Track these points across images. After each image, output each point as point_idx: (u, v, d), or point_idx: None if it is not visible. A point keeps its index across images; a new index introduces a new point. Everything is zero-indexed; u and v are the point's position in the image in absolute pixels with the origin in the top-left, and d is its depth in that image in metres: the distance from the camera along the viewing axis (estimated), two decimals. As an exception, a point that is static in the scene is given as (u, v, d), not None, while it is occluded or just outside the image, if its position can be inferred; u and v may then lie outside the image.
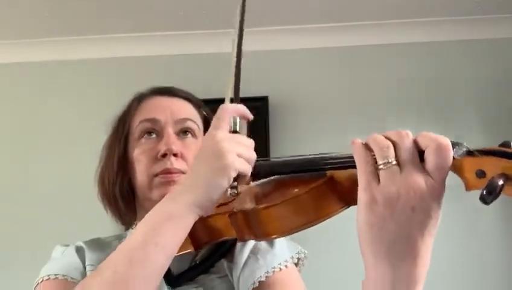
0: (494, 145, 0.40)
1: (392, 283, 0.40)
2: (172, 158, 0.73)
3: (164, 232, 0.52)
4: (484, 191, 0.35)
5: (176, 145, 0.74)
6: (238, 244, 0.71)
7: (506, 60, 1.93)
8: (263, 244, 0.71)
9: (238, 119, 0.58)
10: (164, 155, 0.73)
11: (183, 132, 0.78)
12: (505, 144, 0.39)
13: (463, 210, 1.65)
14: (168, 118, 0.77)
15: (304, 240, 0.71)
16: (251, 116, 0.60)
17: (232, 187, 0.54)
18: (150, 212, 0.54)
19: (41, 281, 0.71)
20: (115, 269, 0.50)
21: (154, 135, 0.77)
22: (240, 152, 0.54)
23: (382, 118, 1.81)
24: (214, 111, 0.59)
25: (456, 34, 1.99)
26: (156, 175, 0.74)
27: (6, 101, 2.02)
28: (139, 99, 0.83)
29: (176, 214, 0.52)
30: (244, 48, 0.74)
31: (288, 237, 0.56)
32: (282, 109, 1.87)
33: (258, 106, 1.81)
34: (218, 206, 0.60)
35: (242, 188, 0.63)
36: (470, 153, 0.40)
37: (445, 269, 1.58)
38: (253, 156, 0.56)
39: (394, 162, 0.40)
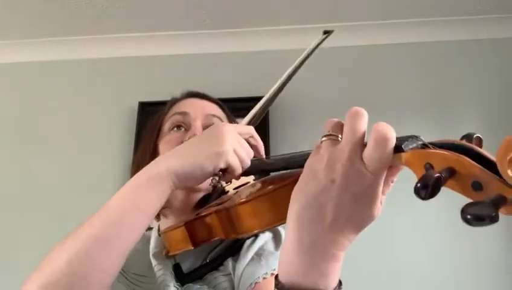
0: (493, 144, 0.36)
1: (295, 246, 0.40)
2: None
3: (142, 194, 0.54)
4: (418, 184, 0.32)
5: None
6: (246, 244, 0.72)
7: (506, 60, 1.93)
8: (270, 246, 0.72)
9: None
10: None
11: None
12: (467, 136, 0.37)
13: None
14: (197, 112, 0.80)
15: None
16: (261, 153, 0.65)
17: (214, 175, 0.56)
18: (135, 175, 0.56)
19: None
20: (92, 225, 0.51)
21: (182, 129, 0.80)
22: (238, 150, 0.57)
23: (382, 118, 1.80)
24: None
25: (456, 34, 1.99)
26: None
27: (7, 101, 2.02)
28: (174, 100, 0.87)
29: (154, 176, 0.54)
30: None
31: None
32: (282, 109, 1.87)
33: (258, 105, 1.80)
34: (216, 205, 0.62)
35: (243, 190, 0.65)
36: (423, 146, 0.38)
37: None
38: (248, 161, 0.59)
39: (333, 137, 0.40)
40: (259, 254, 0.70)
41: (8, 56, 2.07)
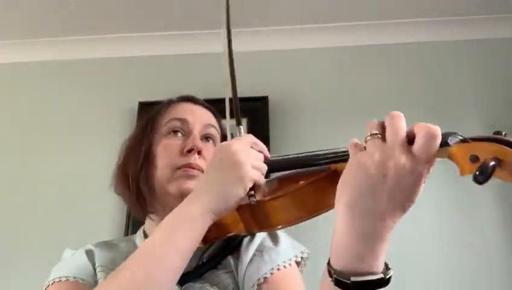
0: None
1: (350, 234, 0.45)
2: (196, 155, 0.78)
3: (181, 234, 0.56)
4: (477, 172, 0.38)
5: (201, 145, 0.80)
6: (244, 242, 0.75)
7: (506, 60, 1.93)
8: (268, 242, 0.75)
9: (242, 130, 0.68)
10: (190, 151, 0.78)
11: (206, 137, 0.84)
12: (497, 133, 0.42)
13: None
14: (196, 121, 0.83)
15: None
16: (268, 155, 0.65)
17: (250, 196, 0.58)
18: (168, 215, 0.58)
19: (52, 283, 0.71)
20: (133, 269, 0.53)
21: (179, 134, 0.82)
22: (254, 164, 0.59)
23: (381, 117, 1.81)
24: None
25: (455, 34, 1.99)
26: (179, 168, 0.77)
27: (6, 101, 2.02)
28: (169, 103, 0.89)
29: (193, 218, 0.57)
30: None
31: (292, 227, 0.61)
32: (282, 109, 1.88)
33: (258, 106, 1.81)
34: None
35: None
36: (463, 140, 0.43)
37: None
38: (265, 167, 0.62)
39: (379, 136, 0.45)
40: (260, 250, 0.73)
41: (8, 56, 2.07)
